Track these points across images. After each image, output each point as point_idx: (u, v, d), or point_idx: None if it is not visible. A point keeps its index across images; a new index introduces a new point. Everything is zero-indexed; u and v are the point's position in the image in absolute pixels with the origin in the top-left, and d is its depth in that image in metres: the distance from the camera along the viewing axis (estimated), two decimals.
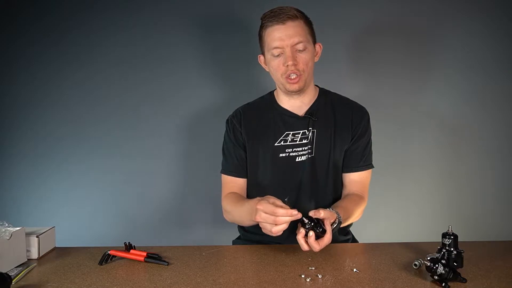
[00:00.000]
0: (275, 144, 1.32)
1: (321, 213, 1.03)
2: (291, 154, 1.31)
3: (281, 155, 1.31)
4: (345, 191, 1.38)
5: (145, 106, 1.83)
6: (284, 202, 1.03)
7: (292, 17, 1.21)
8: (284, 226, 1.01)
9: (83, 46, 1.80)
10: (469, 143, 1.82)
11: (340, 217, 1.12)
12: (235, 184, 1.39)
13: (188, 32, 1.80)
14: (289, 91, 1.29)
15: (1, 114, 1.83)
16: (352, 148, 1.34)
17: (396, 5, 1.77)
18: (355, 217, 1.30)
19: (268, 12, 1.24)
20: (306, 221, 1.00)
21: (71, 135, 1.83)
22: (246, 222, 1.25)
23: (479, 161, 1.82)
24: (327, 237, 1.03)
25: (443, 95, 1.80)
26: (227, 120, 1.42)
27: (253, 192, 1.40)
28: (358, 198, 1.32)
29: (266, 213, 1.02)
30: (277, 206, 1.01)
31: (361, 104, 1.39)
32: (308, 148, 1.31)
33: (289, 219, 1.00)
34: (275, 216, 1.00)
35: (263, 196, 1.35)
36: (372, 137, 1.39)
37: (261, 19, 1.26)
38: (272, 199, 1.05)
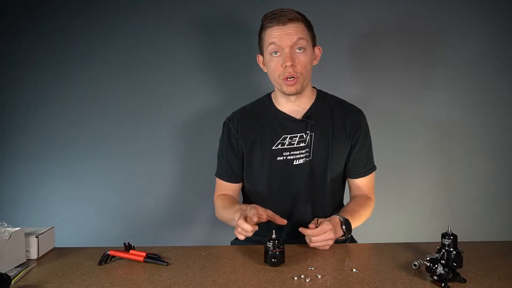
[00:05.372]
0: (273, 148, 1.31)
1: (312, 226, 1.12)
2: (289, 157, 1.30)
3: (278, 158, 1.31)
4: (352, 194, 1.41)
5: (145, 107, 1.83)
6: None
7: (293, 19, 1.21)
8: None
9: (84, 49, 1.80)
10: (469, 144, 1.82)
11: (344, 228, 1.17)
12: (226, 187, 1.41)
13: (187, 35, 1.80)
14: (285, 93, 1.29)
15: (2, 115, 1.83)
16: (357, 156, 1.35)
17: (396, 9, 1.76)
18: (364, 218, 1.33)
19: (269, 13, 1.24)
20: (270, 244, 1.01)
21: (70, 136, 1.83)
22: (232, 224, 1.27)
23: (479, 161, 1.82)
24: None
25: (442, 98, 1.80)
26: (224, 123, 1.41)
27: (251, 195, 1.41)
28: (365, 199, 1.35)
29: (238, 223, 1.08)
30: (254, 213, 1.09)
31: (360, 106, 1.39)
32: (306, 152, 1.30)
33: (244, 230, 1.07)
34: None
35: (260, 199, 1.36)
36: (371, 137, 1.40)
37: (262, 20, 1.26)
38: (250, 206, 1.13)
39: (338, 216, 1.18)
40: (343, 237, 1.18)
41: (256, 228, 1.06)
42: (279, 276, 0.95)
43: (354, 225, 1.22)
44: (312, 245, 1.12)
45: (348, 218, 1.19)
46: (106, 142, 1.84)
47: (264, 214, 1.13)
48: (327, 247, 1.12)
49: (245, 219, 1.08)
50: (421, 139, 1.82)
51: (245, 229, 1.06)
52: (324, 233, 1.09)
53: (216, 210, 1.39)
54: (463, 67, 1.78)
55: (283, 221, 1.13)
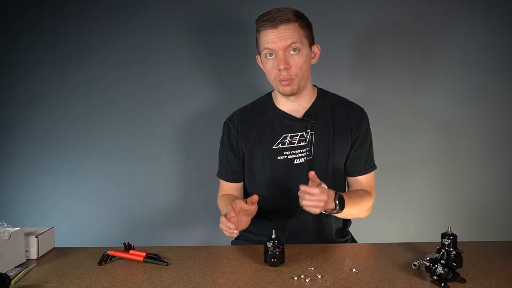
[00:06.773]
0: (273, 147, 1.31)
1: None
2: (289, 156, 1.30)
3: (279, 157, 1.31)
4: (351, 189, 1.40)
5: (145, 107, 1.83)
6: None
7: (285, 21, 1.19)
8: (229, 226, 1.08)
9: (83, 48, 1.80)
10: (469, 144, 1.82)
11: (337, 202, 1.14)
12: (228, 187, 1.41)
13: (187, 35, 1.80)
14: (282, 94, 1.29)
15: (2, 114, 1.83)
16: (357, 153, 1.34)
17: (396, 8, 1.76)
18: (361, 208, 1.31)
19: (262, 15, 1.23)
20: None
21: (71, 136, 1.83)
22: None
23: (478, 161, 1.82)
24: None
25: (442, 97, 1.80)
26: (224, 123, 1.41)
27: (252, 194, 1.40)
28: (364, 192, 1.34)
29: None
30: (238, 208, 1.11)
31: (361, 104, 1.39)
32: (307, 151, 1.30)
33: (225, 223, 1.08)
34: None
35: (261, 199, 1.35)
36: (372, 136, 1.40)
37: (255, 21, 1.25)
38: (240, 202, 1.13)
39: (333, 190, 1.15)
40: (334, 212, 1.15)
41: (234, 227, 1.06)
42: (279, 276, 0.95)
43: (347, 209, 1.18)
44: (303, 202, 1.08)
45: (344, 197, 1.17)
46: (106, 142, 1.84)
47: (246, 204, 1.13)
48: (318, 210, 1.08)
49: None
50: (421, 138, 1.82)
51: (224, 225, 1.07)
52: (320, 193, 1.07)
53: (220, 210, 1.39)
54: (463, 66, 1.78)
55: (254, 197, 1.13)
